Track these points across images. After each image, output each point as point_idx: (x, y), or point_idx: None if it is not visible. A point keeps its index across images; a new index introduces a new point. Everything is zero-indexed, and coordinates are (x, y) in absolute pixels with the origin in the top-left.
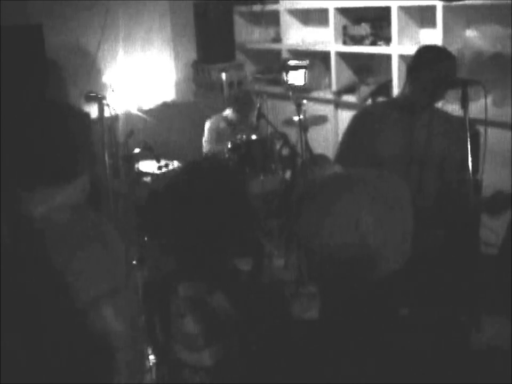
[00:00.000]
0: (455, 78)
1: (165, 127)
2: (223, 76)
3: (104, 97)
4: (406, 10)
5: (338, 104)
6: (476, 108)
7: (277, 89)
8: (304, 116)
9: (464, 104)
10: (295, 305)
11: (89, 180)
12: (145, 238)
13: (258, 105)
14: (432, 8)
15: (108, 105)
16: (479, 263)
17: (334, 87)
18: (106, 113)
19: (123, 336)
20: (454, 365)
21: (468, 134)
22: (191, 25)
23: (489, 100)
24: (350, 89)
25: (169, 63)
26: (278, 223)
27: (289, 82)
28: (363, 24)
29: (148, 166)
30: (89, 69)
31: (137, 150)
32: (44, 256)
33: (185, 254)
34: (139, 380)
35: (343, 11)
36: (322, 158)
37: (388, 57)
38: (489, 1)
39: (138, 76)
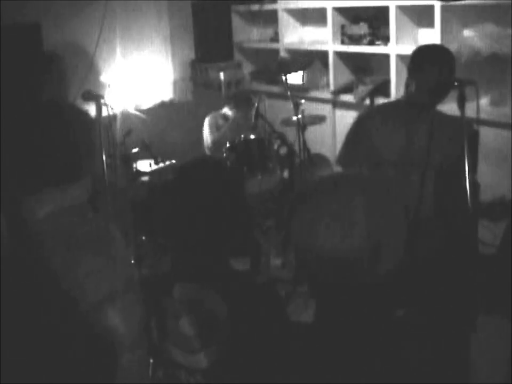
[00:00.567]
0: (454, 78)
1: (163, 126)
2: (221, 75)
3: (102, 97)
4: (404, 10)
5: (336, 104)
6: (474, 108)
7: (275, 89)
8: (302, 115)
9: (461, 104)
10: (291, 305)
11: (92, 181)
12: (143, 238)
13: (256, 104)
14: (430, 8)
15: (105, 104)
16: (477, 263)
17: (332, 87)
18: (104, 113)
19: (129, 337)
20: (452, 367)
21: (465, 134)
22: (189, 25)
23: (487, 99)
24: (348, 89)
25: (167, 62)
26: (276, 222)
27: (287, 82)
28: (361, 23)
29: (146, 165)
30: (87, 68)
31: (135, 150)
32: (47, 257)
33: (182, 254)
34: (143, 380)
35: (341, 10)
36: (320, 157)
37: (386, 57)
38: (487, 1)
39: (136, 75)
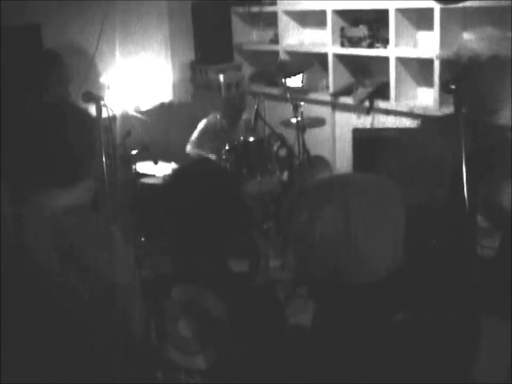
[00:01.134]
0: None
1: (163, 128)
2: (221, 77)
3: (101, 98)
4: (404, 13)
5: (335, 106)
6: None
7: (275, 91)
8: (302, 117)
9: (458, 106)
10: (290, 307)
11: (94, 182)
12: (142, 239)
13: (255, 106)
14: (429, 11)
15: (105, 105)
16: (476, 265)
17: (331, 89)
18: (104, 114)
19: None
20: (452, 370)
21: (463, 138)
22: (189, 26)
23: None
24: (347, 91)
25: (167, 64)
26: (275, 224)
27: (286, 84)
28: (361, 26)
29: (145, 167)
30: (87, 69)
31: (134, 151)
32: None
33: (181, 255)
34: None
35: (340, 13)
36: (319, 159)
37: (385, 59)
38: (486, 4)
39: (136, 77)
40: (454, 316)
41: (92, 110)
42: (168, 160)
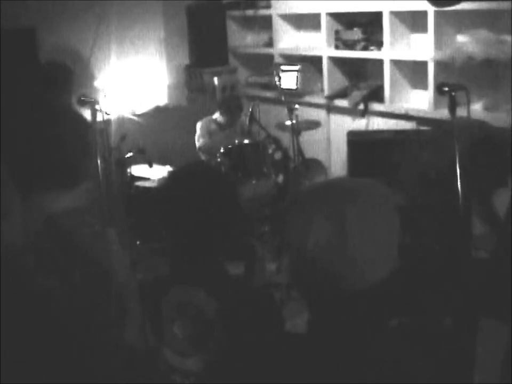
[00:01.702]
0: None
1: (158, 131)
2: (216, 80)
3: (97, 101)
4: (398, 15)
5: (330, 109)
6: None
7: (270, 94)
8: (297, 120)
9: (452, 109)
10: (286, 309)
11: (91, 185)
12: (137, 242)
13: (250, 109)
14: (423, 13)
15: (100, 109)
16: (471, 267)
17: (326, 92)
18: (99, 118)
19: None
20: (450, 375)
21: (456, 141)
22: (183, 29)
23: (480, 105)
24: (342, 94)
25: (162, 67)
26: (271, 226)
27: (281, 87)
28: (355, 29)
29: (141, 170)
30: (82, 73)
31: (129, 154)
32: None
33: (177, 258)
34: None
35: (335, 16)
36: (314, 162)
37: (379, 62)
38: (480, 7)
39: (131, 80)
40: (449, 320)
41: (88, 113)
42: (163, 163)
